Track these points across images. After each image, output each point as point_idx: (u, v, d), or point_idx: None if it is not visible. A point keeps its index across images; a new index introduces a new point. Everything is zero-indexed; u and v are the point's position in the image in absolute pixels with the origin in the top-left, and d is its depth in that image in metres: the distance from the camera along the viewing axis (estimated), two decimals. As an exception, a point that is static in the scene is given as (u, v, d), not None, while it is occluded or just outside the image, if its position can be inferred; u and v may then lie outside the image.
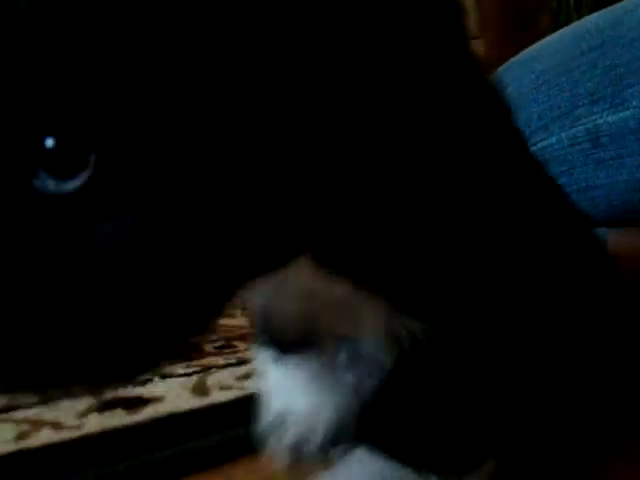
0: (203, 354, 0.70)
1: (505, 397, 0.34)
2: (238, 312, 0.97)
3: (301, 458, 0.42)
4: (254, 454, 0.44)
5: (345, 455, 0.35)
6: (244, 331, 0.82)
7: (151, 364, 0.25)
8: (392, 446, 0.33)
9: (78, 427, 0.48)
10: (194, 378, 0.60)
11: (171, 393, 0.56)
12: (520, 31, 2.12)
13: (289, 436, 0.43)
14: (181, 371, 0.62)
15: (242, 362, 0.66)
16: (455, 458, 0.33)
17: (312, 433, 0.40)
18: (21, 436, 0.46)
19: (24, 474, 0.42)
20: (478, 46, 2.02)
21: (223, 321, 0.89)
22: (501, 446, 0.35)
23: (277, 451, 0.42)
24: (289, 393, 0.45)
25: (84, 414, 0.50)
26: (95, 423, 0.48)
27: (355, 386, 0.34)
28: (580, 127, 0.58)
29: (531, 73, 0.66)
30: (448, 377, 0.33)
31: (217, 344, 0.75)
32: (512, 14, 2.10)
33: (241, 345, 0.74)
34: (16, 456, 0.43)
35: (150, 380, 0.59)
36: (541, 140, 0.61)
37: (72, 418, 0.49)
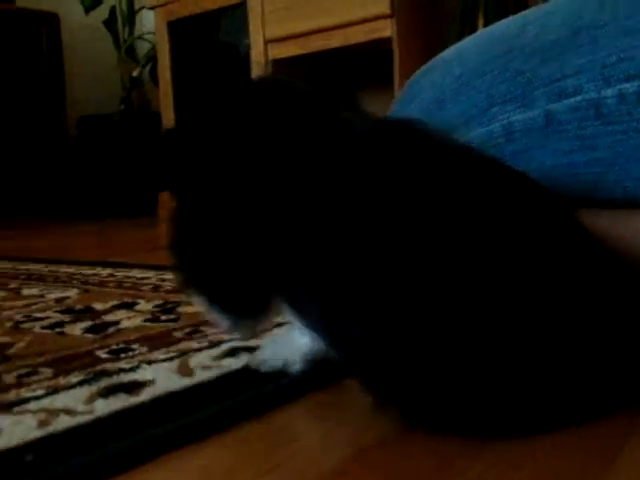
0: (176, 340, 0.77)
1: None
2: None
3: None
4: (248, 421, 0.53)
5: None
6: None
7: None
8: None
9: (90, 412, 0.55)
10: (176, 362, 0.68)
11: (161, 376, 0.63)
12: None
13: None
14: (162, 357, 0.70)
15: (214, 345, 0.74)
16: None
17: None
18: (43, 423, 0.53)
19: (50, 456, 0.49)
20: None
21: (186, 309, 0.96)
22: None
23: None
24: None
25: (90, 400, 0.57)
26: (103, 406, 0.56)
27: None
28: (496, 124, 0.69)
29: (451, 75, 0.76)
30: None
31: (186, 330, 0.82)
32: None
33: (208, 329, 0.81)
34: (43, 441, 0.50)
35: (137, 367, 0.66)
36: (462, 135, 0.71)
37: (81, 404, 0.56)
